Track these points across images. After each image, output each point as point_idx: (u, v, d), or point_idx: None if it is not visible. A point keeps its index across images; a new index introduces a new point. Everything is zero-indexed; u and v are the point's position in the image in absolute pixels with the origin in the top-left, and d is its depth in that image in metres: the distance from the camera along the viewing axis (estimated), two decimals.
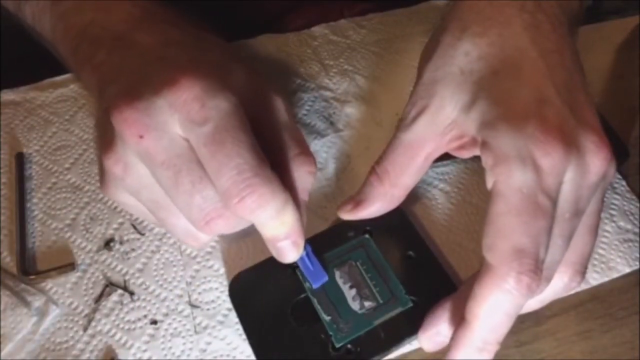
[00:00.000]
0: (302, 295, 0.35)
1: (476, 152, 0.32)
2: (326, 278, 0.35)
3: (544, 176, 0.28)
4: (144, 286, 0.37)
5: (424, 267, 0.36)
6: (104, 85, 0.32)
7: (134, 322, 0.36)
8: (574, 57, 0.32)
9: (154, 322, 0.36)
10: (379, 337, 0.34)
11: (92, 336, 0.36)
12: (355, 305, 0.35)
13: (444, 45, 0.33)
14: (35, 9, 0.39)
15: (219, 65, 0.32)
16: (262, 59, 0.48)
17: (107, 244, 0.39)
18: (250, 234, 0.32)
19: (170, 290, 0.37)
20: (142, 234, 0.39)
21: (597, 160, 0.29)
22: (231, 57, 0.34)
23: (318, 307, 0.35)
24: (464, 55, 0.32)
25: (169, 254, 0.38)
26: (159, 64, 0.31)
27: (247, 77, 0.32)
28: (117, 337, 0.36)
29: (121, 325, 0.36)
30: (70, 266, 0.38)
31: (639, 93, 0.44)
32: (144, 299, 0.37)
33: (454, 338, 0.29)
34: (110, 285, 0.37)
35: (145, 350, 0.35)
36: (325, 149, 0.43)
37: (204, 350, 0.35)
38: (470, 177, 0.41)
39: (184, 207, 0.30)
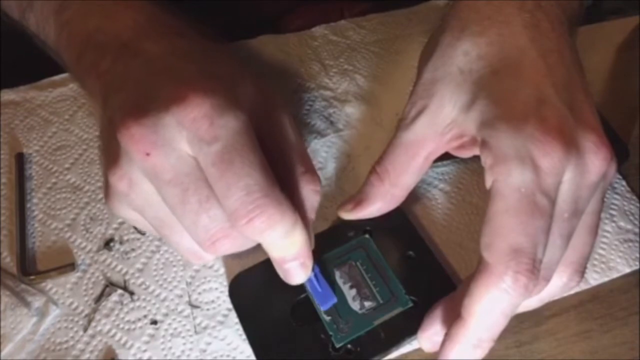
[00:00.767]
0: (302, 295, 0.35)
1: (476, 151, 0.32)
2: (335, 300, 0.34)
3: (542, 176, 0.28)
4: (144, 286, 0.37)
5: (424, 267, 0.36)
6: (109, 93, 0.32)
7: (134, 322, 0.36)
8: (574, 56, 0.32)
9: (154, 322, 0.36)
10: (379, 337, 0.34)
11: (92, 336, 0.36)
12: (355, 305, 0.35)
13: (443, 45, 0.33)
14: (40, 17, 0.39)
15: (227, 78, 0.31)
16: (262, 59, 0.48)
17: (107, 244, 0.39)
18: None
19: (170, 290, 0.37)
20: (142, 234, 0.39)
21: (596, 161, 0.29)
22: (240, 68, 0.33)
23: (318, 307, 0.35)
24: (463, 54, 0.32)
25: (169, 254, 0.38)
26: (166, 75, 0.30)
27: (255, 90, 0.32)
28: (117, 337, 0.36)
29: (121, 326, 0.36)
30: (70, 266, 0.38)
31: (639, 93, 0.44)
32: (144, 299, 0.37)
33: (448, 334, 0.29)
34: (110, 285, 0.37)
35: (145, 351, 0.35)
36: (325, 149, 0.43)
37: (204, 351, 0.35)
38: (470, 177, 0.41)
39: (189, 226, 0.29)
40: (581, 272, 0.31)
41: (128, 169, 0.29)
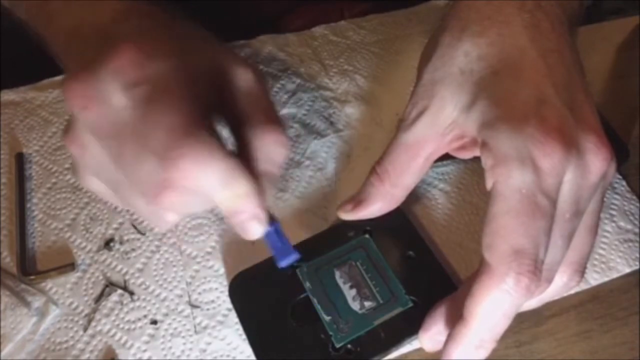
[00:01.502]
0: (302, 295, 0.35)
1: (476, 152, 0.32)
2: (296, 256, 0.31)
3: (543, 177, 0.28)
4: (144, 286, 0.37)
5: (424, 267, 0.36)
6: None
7: (134, 322, 0.36)
8: (574, 56, 0.32)
9: (154, 322, 0.36)
10: (379, 337, 0.34)
11: (92, 336, 0.36)
12: (355, 305, 0.35)
13: (443, 45, 0.33)
14: (29, 6, 0.39)
15: (174, 38, 0.30)
16: (262, 59, 0.48)
17: (107, 244, 0.39)
18: None
19: (170, 290, 0.37)
20: (142, 234, 0.39)
21: (596, 161, 0.29)
22: (202, 37, 0.32)
23: (318, 307, 0.35)
24: (463, 55, 0.32)
25: (169, 254, 0.38)
26: (112, 41, 0.29)
27: (213, 51, 0.31)
28: (117, 337, 0.36)
29: (121, 325, 0.36)
30: (70, 266, 0.38)
31: (639, 93, 0.44)
32: (144, 299, 0.37)
33: (451, 335, 0.29)
34: (110, 285, 0.37)
35: (145, 350, 0.35)
36: (325, 149, 0.43)
37: (204, 350, 0.35)
38: (470, 177, 0.41)
39: (133, 181, 0.28)
40: (581, 272, 0.31)
41: (79, 132, 0.29)
